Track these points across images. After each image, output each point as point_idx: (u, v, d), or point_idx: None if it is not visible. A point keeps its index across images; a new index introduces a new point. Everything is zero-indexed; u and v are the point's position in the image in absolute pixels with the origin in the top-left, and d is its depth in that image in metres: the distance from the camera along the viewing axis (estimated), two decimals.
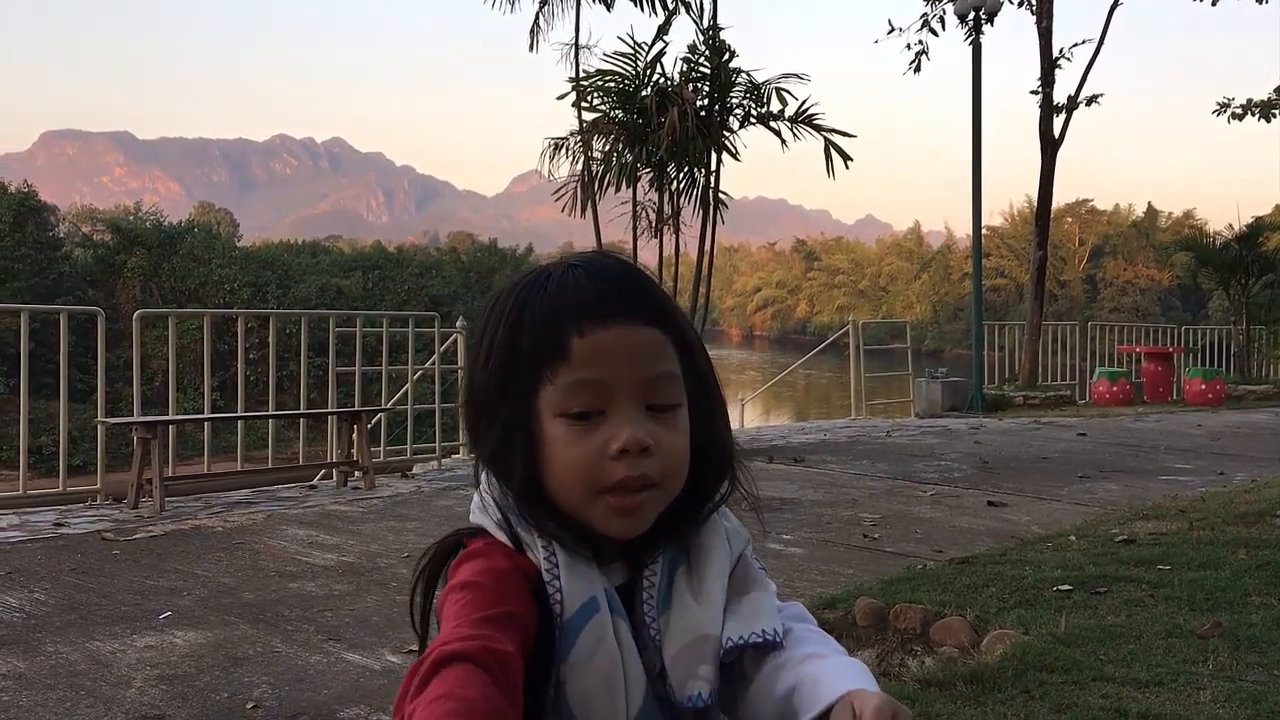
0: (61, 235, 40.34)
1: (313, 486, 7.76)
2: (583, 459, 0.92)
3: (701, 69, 10.09)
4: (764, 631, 0.96)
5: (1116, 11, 17.65)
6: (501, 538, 0.96)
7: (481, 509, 0.99)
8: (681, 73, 10.07)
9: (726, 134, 10.15)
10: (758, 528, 1.06)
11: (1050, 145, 17.02)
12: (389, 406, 9.30)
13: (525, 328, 0.95)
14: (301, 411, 8.75)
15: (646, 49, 9.91)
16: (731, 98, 10.12)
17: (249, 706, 3.31)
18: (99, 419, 7.25)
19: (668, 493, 0.96)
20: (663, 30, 9.95)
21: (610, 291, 0.95)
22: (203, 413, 8.31)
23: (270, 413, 8.52)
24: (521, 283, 0.99)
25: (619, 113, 10.12)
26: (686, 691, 0.94)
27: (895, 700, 0.86)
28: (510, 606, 0.90)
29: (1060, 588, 4.26)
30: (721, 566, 1.00)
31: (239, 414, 8.40)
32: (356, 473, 7.62)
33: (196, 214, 65.97)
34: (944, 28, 17.63)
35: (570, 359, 0.93)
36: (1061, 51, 17.02)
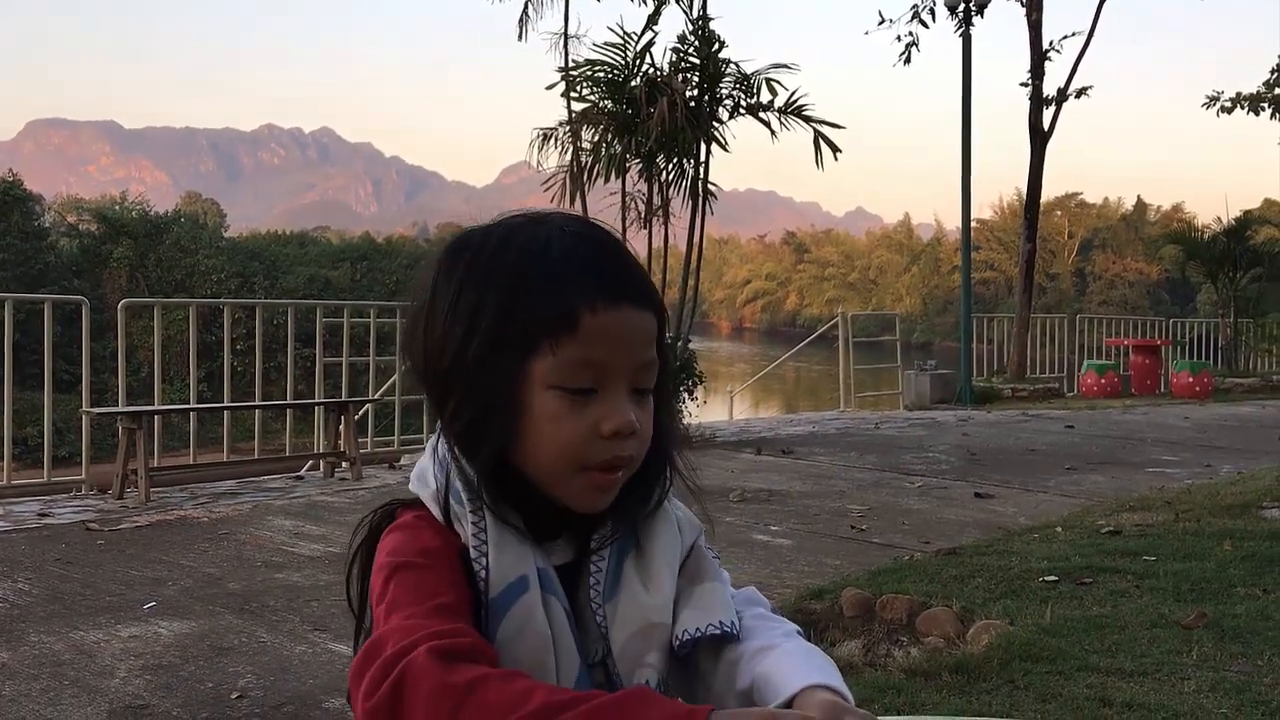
0: (47, 225, 40.13)
1: (299, 477, 7.74)
2: (574, 435, 0.91)
3: (691, 59, 10.06)
4: (720, 624, 0.96)
5: (1106, 4, 17.68)
6: (434, 511, 0.94)
7: (420, 479, 0.97)
8: (671, 63, 10.04)
9: (716, 125, 10.12)
10: (707, 518, 1.04)
11: (1040, 138, 17.04)
12: (376, 397, 9.27)
13: (528, 294, 0.91)
14: (288, 402, 8.72)
15: (636, 39, 9.88)
16: (721, 88, 10.10)
17: (234, 696, 3.30)
18: (84, 409, 7.21)
19: (630, 474, 0.95)
20: (652, 20, 9.92)
21: (623, 273, 0.94)
22: (189, 403, 8.29)
23: (257, 403, 8.49)
24: (511, 242, 0.95)
25: (608, 103, 10.09)
26: (634, 680, 0.93)
27: (843, 702, 0.86)
28: (457, 594, 0.89)
29: (1046, 579, 4.27)
30: (671, 555, 0.99)
31: (225, 404, 8.38)
32: (343, 463, 7.60)
33: (183, 204, 65.73)
34: (934, 19, 17.60)
35: (578, 334, 0.90)
36: (1051, 44, 17.03)
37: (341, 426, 7.58)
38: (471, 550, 0.91)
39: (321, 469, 7.78)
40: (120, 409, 7.08)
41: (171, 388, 16.92)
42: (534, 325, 0.90)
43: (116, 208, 44.60)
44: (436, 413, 0.96)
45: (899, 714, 2.96)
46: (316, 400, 8.48)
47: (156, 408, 7.45)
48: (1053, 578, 4.28)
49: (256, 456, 8.22)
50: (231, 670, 3.53)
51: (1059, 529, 5.36)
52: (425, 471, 0.97)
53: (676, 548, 1.00)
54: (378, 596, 0.90)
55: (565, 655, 0.90)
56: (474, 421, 0.93)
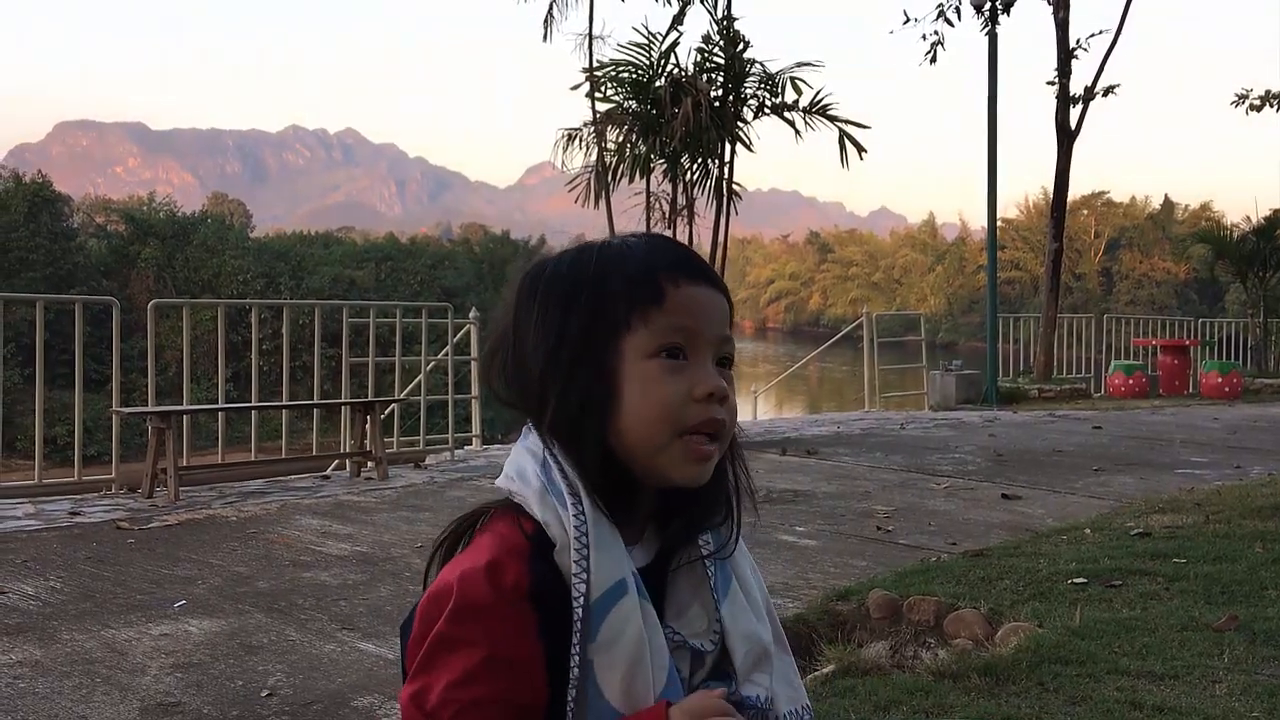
0: (76, 226, 40.55)
1: (326, 477, 7.78)
2: (672, 397, 0.96)
3: (715, 59, 10.06)
4: (806, 707, 1.06)
5: (1134, 1, 17.53)
6: (535, 509, 0.96)
7: (519, 477, 0.99)
8: (695, 63, 10.04)
9: (740, 125, 10.12)
10: (754, 511, 1.09)
11: (1066, 136, 16.92)
12: (402, 397, 9.31)
13: (614, 283, 0.98)
14: (315, 402, 8.77)
15: (660, 39, 9.88)
16: (745, 88, 10.09)
17: (263, 694, 3.32)
18: (114, 409, 7.28)
19: (722, 450, 1.00)
20: (677, 20, 9.92)
21: (696, 257, 1.04)
22: (217, 403, 8.34)
23: (284, 403, 8.54)
24: (587, 252, 1.02)
25: (633, 103, 10.10)
26: (744, 691, 1.00)
27: None
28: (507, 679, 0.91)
29: (1075, 581, 4.24)
30: (758, 594, 1.07)
31: (253, 404, 8.43)
32: (369, 463, 7.64)
33: (210, 205, 66.22)
34: (960, 18, 17.45)
35: (664, 305, 0.98)
36: (1078, 42, 16.89)
37: (367, 426, 7.62)
38: (573, 553, 0.93)
39: (348, 468, 7.82)
40: (150, 409, 7.14)
41: (199, 387, 17.05)
42: (623, 304, 0.98)
43: (144, 209, 44.99)
44: (535, 422, 1.00)
45: (927, 716, 2.95)
46: (342, 400, 8.52)
47: (185, 407, 7.50)
48: (1082, 580, 4.25)
49: (284, 456, 8.27)
50: (261, 669, 3.55)
51: (1087, 530, 5.32)
52: (525, 470, 0.99)
53: (756, 588, 1.07)
54: (420, 640, 0.93)
55: (658, 656, 0.94)
56: (575, 414, 0.97)
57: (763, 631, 1.03)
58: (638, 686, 0.91)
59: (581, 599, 0.91)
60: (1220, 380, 15.54)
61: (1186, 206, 69.00)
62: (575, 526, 0.93)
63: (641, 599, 0.94)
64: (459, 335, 9.59)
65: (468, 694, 0.89)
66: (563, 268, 1.02)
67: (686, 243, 10.10)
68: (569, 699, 0.91)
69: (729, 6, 10.10)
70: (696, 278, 1.00)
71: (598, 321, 0.98)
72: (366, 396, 8.45)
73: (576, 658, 0.91)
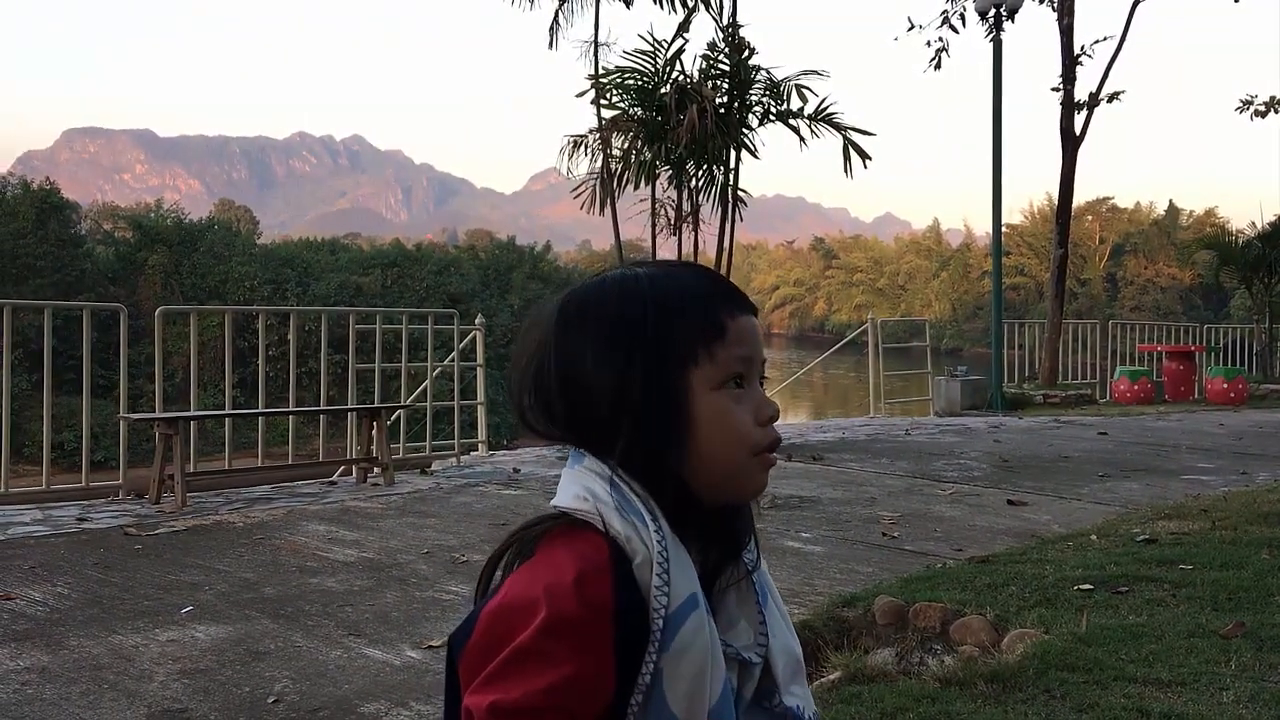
0: (83, 232, 40.62)
1: (332, 483, 7.79)
2: (743, 423, 1.02)
3: (721, 66, 10.08)
4: (815, 714, 1.09)
5: (1139, 8, 17.54)
6: (614, 522, 0.97)
7: (590, 495, 0.99)
8: (701, 70, 10.06)
9: (745, 131, 10.13)
10: (759, 516, 1.13)
11: (1071, 143, 16.93)
12: (408, 403, 9.32)
13: (676, 316, 1.02)
14: (321, 408, 8.79)
15: (666, 46, 9.90)
16: (751, 95, 10.11)
17: (270, 701, 3.33)
18: (121, 415, 7.30)
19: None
20: (682, 27, 9.94)
21: (734, 288, 1.09)
22: (224, 409, 8.36)
23: (290, 409, 8.56)
24: (634, 283, 1.04)
25: (638, 110, 10.12)
26: (786, 702, 1.05)
27: None
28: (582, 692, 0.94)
29: (1081, 587, 4.23)
30: (782, 605, 1.11)
31: (260, 410, 8.44)
32: (376, 469, 7.65)
33: (217, 211, 66.37)
34: (964, 24, 17.56)
35: (726, 337, 1.03)
36: (1083, 48, 16.93)
37: (374, 432, 7.63)
38: (655, 567, 0.96)
39: (354, 474, 7.83)
40: (157, 415, 7.15)
41: (206, 393, 17.08)
42: (689, 339, 1.02)
43: (151, 215, 45.04)
44: (602, 449, 1.01)
45: None
46: (349, 406, 8.53)
47: (192, 413, 7.52)
48: (1088, 586, 4.24)
49: (290, 462, 8.28)
50: (268, 675, 3.56)
51: (1094, 537, 5.31)
52: (592, 489, 1.00)
53: (781, 601, 1.12)
54: (486, 649, 0.95)
55: (717, 667, 0.98)
56: (653, 448, 1.00)
57: (795, 644, 1.08)
58: (700, 696, 0.96)
59: (662, 610, 0.95)
60: (1226, 386, 15.51)
61: (1191, 212, 68.93)
62: (658, 542, 0.97)
63: (707, 614, 0.98)
64: (465, 341, 9.60)
65: (545, 702, 0.92)
66: (611, 300, 1.03)
67: (692, 249, 10.16)
68: (633, 704, 0.95)
69: (734, 13, 10.14)
70: (746, 308, 1.06)
71: (667, 357, 1.01)
72: (373, 402, 8.46)
73: (650, 666, 0.95)
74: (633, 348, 1.00)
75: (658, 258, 10.78)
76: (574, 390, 1.01)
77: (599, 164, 10.41)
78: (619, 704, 0.95)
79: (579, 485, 1.01)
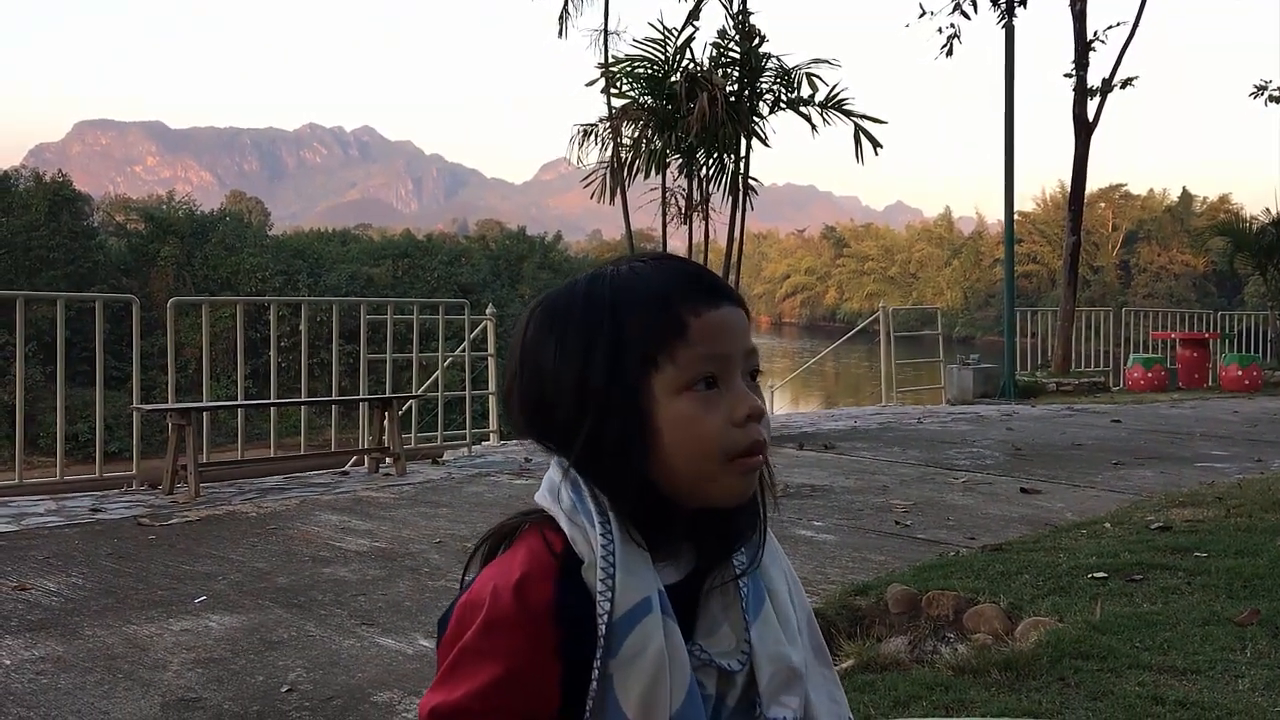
0: (96, 224, 40.79)
1: (345, 473, 7.81)
2: (714, 429, 0.96)
3: (731, 54, 10.04)
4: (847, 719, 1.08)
5: None
6: (565, 527, 0.98)
7: (551, 493, 1.01)
8: (711, 58, 10.02)
9: (756, 119, 10.09)
10: (776, 506, 1.10)
11: (1084, 129, 16.83)
12: (420, 393, 9.34)
13: (632, 316, 0.97)
14: (333, 398, 8.80)
15: (676, 34, 9.86)
16: (761, 83, 10.07)
17: (284, 690, 3.34)
18: (134, 406, 7.32)
19: (763, 460, 1.00)
20: (693, 15, 9.90)
21: (707, 277, 1.02)
22: (236, 399, 8.38)
23: (302, 400, 8.57)
24: (599, 281, 1.01)
25: (648, 99, 10.09)
26: (770, 713, 1.01)
27: None
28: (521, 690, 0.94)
29: (1095, 575, 4.22)
30: (790, 611, 1.07)
31: (272, 401, 8.46)
32: (388, 459, 7.66)
33: (228, 203, 66.49)
34: (976, 10, 17.41)
35: (688, 337, 0.97)
36: (1096, 34, 16.81)
37: (385, 422, 7.64)
38: (599, 571, 0.95)
39: (366, 464, 7.85)
40: (170, 405, 7.17)
41: (218, 384, 17.12)
42: (646, 342, 0.97)
43: (163, 207, 45.18)
44: (563, 451, 1.00)
45: (947, 712, 2.94)
46: (361, 396, 8.55)
47: (205, 404, 7.54)
48: (1102, 574, 4.23)
49: (303, 452, 8.30)
50: (281, 664, 3.57)
51: (1107, 525, 5.29)
52: (558, 488, 1.00)
53: (790, 604, 1.07)
54: (452, 642, 0.96)
55: (678, 673, 0.95)
56: (610, 454, 0.97)
57: (792, 653, 1.03)
58: (656, 702, 0.94)
59: (605, 616, 0.94)
60: (1240, 373, 15.44)
61: (1205, 199, 68.63)
62: (602, 546, 0.95)
63: (666, 617, 0.96)
64: (476, 331, 9.61)
65: (483, 705, 0.93)
66: (576, 302, 1.00)
67: (702, 238, 10.14)
68: (587, 711, 0.94)
69: (744, 1, 10.08)
70: (714, 300, 0.99)
71: (622, 362, 0.96)
72: (384, 393, 8.48)
73: (597, 672, 0.94)
74: (591, 351, 0.97)
75: (667, 248, 10.79)
76: (539, 391, 1.00)
77: (609, 153, 10.38)
78: (574, 710, 0.94)
79: (548, 481, 1.01)
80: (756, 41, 9.96)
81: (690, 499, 0.98)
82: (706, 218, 10.24)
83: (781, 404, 19.01)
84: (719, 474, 0.97)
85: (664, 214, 10.28)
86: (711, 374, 0.97)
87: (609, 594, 0.94)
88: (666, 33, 9.84)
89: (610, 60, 10.30)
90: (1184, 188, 73.21)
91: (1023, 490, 6.75)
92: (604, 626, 0.93)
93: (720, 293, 1.00)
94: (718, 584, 1.02)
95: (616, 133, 10.28)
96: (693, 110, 9.31)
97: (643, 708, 0.93)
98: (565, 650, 0.94)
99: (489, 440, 9.60)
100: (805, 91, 10.03)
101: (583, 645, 0.94)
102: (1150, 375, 15.45)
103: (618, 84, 10.23)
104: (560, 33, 10.93)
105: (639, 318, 0.97)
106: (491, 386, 9.72)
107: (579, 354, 0.98)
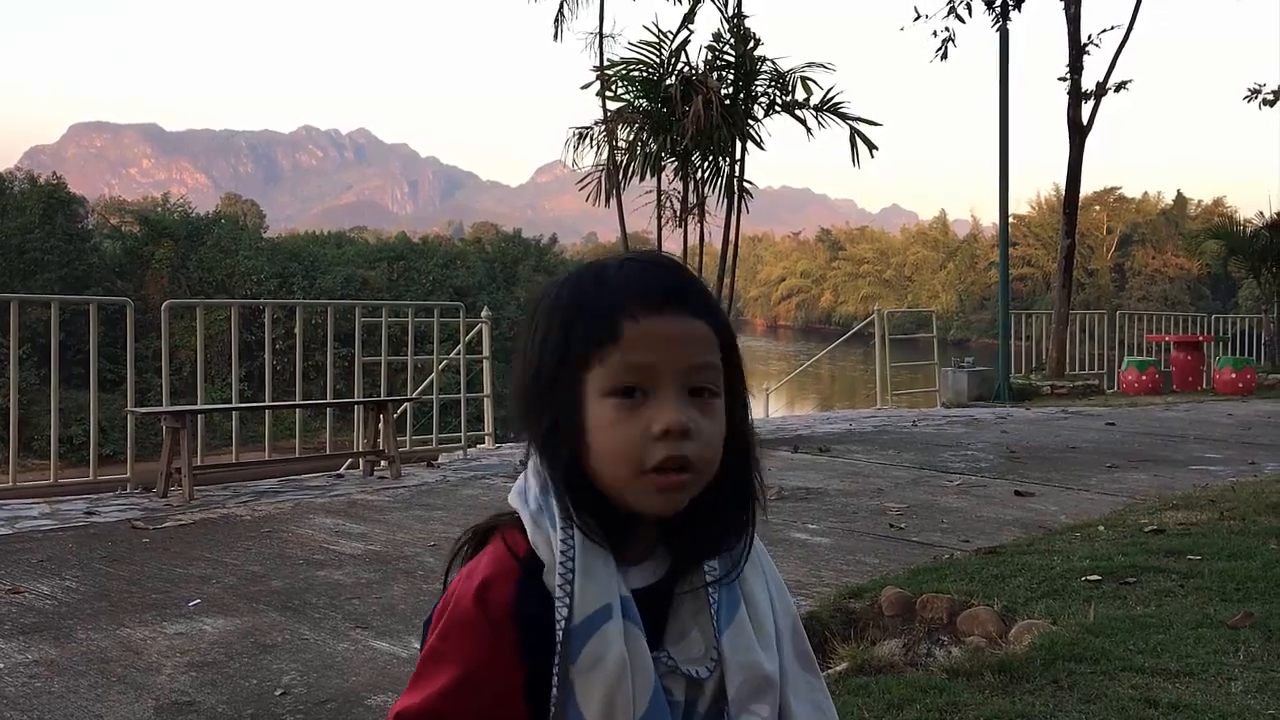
0: (90, 227, 40.71)
1: (339, 476, 7.81)
2: (629, 438, 0.95)
3: (726, 57, 10.05)
4: None
5: None
6: (529, 529, 0.98)
7: (520, 495, 1.01)
8: (706, 61, 10.03)
9: (751, 122, 10.11)
10: (765, 514, 1.08)
11: (1078, 132, 16.86)
12: (415, 396, 9.33)
13: (581, 314, 0.98)
14: (328, 401, 8.81)
15: (671, 37, 9.88)
16: (756, 86, 10.08)
17: (278, 693, 3.34)
18: (128, 409, 7.31)
19: (703, 478, 0.98)
20: (688, 19, 9.91)
21: (662, 282, 0.99)
22: (230, 402, 8.37)
23: (297, 402, 8.57)
24: (573, 275, 1.03)
25: (643, 102, 10.10)
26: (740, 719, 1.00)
27: None
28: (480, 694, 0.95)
29: (1089, 578, 4.23)
30: (768, 619, 1.05)
31: (266, 404, 8.46)
32: (383, 462, 7.66)
33: (223, 205, 66.48)
34: (971, 14, 17.43)
35: (621, 342, 0.96)
36: (1090, 37, 16.83)
37: (380, 425, 7.63)
38: (557, 576, 0.95)
39: (361, 467, 7.84)
40: (164, 408, 7.17)
41: (213, 387, 17.11)
42: (586, 340, 0.97)
43: (158, 210, 45.14)
44: (524, 430, 1.02)
45: (941, 714, 2.94)
46: (355, 399, 8.54)
47: (199, 407, 7.53)
48: (1096, 577, 4.23)
49: (297, 455, 8.29)
50: (275, 667, 3.57)
51: (1101, 528, 5.30)
52: (526, 492, 1.01)
53: (770, 612, 1.05)
54: (425, 649, 0.98)
55: (641, 680, 0.94)
56: (549, 435, 0.98)
57: (765, 661, 1.01)
58: (617, 710, 0.93)
59: (563, 622, 0.94)
60: (1234, 376, 15.46)
61: (1199, 202, 68.82)
62: (562, 552, 0.95)
63: (630, 622, 0.95)
64: (471, 334, 9.61)
65: (446, 706, 0.95)
66: (548, 296, 1.02)
67: (698, 241, 10.15)
68: (550, 717, 0.94)
69: (739, 4, 10.10)
70: (660, 307, 0.97)
71: (566, 358, 0.98)
72: (379, 396, 8.47)
73: (557, 678, 0.94)
74: (544, 347, 0.99)
75: (662, 249, 10.75)
76: (518, 381, 1.02)
77: (605, 156, 10.39)
78: (541, 715, 0.94)
79: (519, 484, 1.02)
80: (751, 45, 9.98)
81: (620, 503, 0.97)
82: (702, 221, 10.25)
83: (777, 407, 19.01)
84: (634, 485, 0.95)
85: (659, 217, 10.29)
86: (634, 384, 0.95)
87: (567, 599, 0.94)
88: (661, 36, 9.86)
89: (605, 63, 10.30)
90: (1179, 191, 73.56)
91: (1017, 493, 6.76)
92: (562, 632, 0.93)
93: (672, 302, 0.97)
94: (688, 589, 1.01)
95: (612, 136, 10.29)
96: (688, 113, 9.32)
97: (604, 715, 0.93)
98: (527, 654, 0.94)
99: (484, 443, 9.60)
100: (800, 94, 10.06)
101: (544, 649, 0.94)
102: (1144, 378, 15.47)
103: (613, 87, 10.24)
104: (556, 36, 10.94)
105: (584, 317, 0.97)
106: (486, 389, 9.71)
107: (536, 350, 1.00)
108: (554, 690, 0.93)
